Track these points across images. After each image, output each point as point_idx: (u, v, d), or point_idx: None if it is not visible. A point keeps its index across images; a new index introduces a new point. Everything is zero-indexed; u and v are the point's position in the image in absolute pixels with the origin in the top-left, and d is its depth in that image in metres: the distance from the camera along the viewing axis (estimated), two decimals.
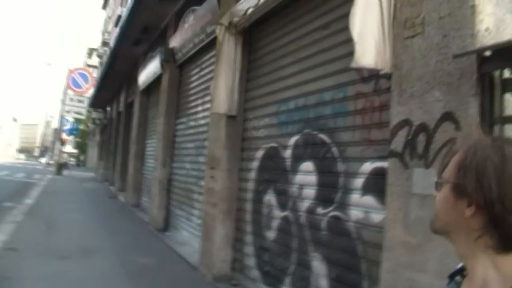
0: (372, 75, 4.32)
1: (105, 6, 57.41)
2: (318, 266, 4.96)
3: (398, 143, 3.54)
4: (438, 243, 3.08)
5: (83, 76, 11.68)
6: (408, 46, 3.57)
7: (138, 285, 6.58)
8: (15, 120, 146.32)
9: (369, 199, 4.27)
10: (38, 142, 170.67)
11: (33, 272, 6.69)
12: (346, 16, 3.98)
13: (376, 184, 4.09)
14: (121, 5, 21.26)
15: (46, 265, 7.14)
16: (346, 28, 3.98)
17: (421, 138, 3.34)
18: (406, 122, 3.49)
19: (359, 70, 4.36)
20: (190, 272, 7.63)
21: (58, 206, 12.25)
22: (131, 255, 8.41)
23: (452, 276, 1.17)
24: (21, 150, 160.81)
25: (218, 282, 6.86)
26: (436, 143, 3.21)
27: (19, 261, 7.24)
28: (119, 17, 17.18)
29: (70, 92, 11.13)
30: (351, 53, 3.82)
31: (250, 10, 6.54)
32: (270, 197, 6.26)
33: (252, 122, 7.02)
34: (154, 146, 13.94)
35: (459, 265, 1.16)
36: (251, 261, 6.62)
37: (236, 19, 6.91)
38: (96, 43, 55.25)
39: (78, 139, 66.72)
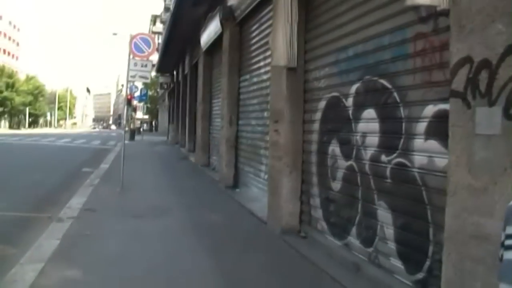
0: (430, 14, 4.11)
1: None
2: (383, 214, 4.89)
3: (459, 82, 3.36)
4: (505, 185, 2.95)
5: (145, 41, 11.71)
6: None
7: (207, 239, 6.73)
8: (88, 91, 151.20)
9: (433, 144, 4.12)
10: (111, 111, 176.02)
11: (109, 230, 7.07)
12: None
13: (440, 128, 3.92)
14: None
15: (120, 223, 7.49)
16: None
17: (484, 75, 3.14)
18: (467, 60, 3.29)
19: (416, 9, 4.17)
20: (259, 227, 7.75)
21: (131, 170, 12.66)
22: (201, 213, 8.65)
23: None
24: (96, 119, 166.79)
25: (287, 235, 6.93)
26: (500, 79, 3.02)
27: (96, 220, 7.65)
28: None
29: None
30: None
31: None
32: (334, 148, 6.19)
33: (313, 72, 6.92)
34: (220, 105, 14.08)
35: None
36: (318, 213, 6.63)
37: None
38: (159, 10, 55.91)
39: (148, 105, 68.37)
